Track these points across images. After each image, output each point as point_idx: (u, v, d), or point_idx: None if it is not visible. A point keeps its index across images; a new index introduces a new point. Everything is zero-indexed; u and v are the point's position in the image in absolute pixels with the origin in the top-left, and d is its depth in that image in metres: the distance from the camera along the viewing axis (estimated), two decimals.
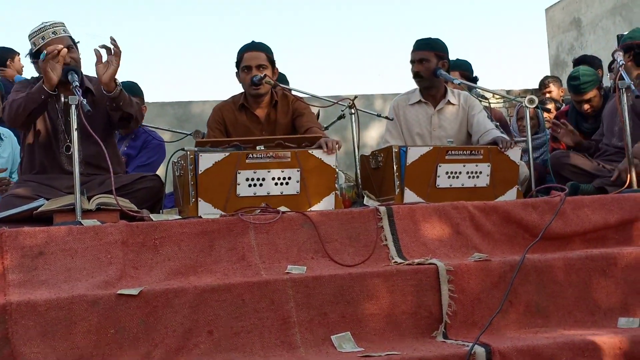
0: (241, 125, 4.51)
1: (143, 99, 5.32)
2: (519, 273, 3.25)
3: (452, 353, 2.85)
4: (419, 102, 4.74)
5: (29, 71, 6.93)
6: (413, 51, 4.72)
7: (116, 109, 3.91)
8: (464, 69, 5.59)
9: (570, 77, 5.36)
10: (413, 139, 4.67)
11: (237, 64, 4.52)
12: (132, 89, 5.14)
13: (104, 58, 3.80)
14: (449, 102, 4.73)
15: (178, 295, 2.94)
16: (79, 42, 4.04)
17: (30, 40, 3.98)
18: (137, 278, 3.10)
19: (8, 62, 6.50)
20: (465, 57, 5.70)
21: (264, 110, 4.53)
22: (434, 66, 4.64)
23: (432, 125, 4.70)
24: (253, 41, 4.57)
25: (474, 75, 5.66)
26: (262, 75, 4.39)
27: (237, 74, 4.53)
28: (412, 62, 4.71)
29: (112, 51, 3.79)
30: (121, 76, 4.94)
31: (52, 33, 3.94)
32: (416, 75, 4.69)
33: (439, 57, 4.66)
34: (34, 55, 3.97)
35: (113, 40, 3.78)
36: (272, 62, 4.48)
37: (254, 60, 4.43)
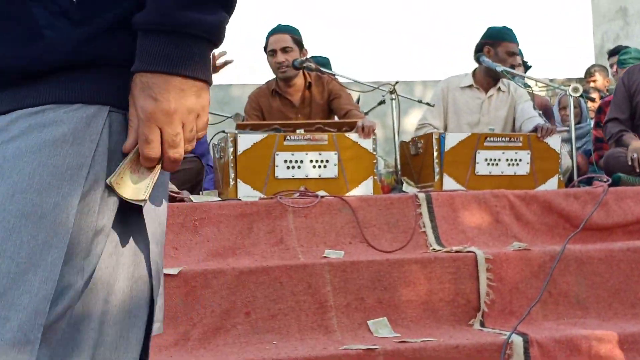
0: (276, 111, 4.53)
1: None
2: (559, 263, 3.21)
3: (489, 341, 2.84)
4: (471, 86, 4.70)
5: None
6: (514, 42, 4.69)
7: None
8: (521, 54, 5.54)
9: (622, 53, 5.34)
10: (460, 124, 4.63)
11: (265, 49, 4.54)
12: None
13: None
14: (499, 90, 4.70)
15: (216, 276, 2.96)
16: None
17: None
18: (176, 258, 3.13)
19: None
20: None
21: (298, 93, 4.53)
22: (482, 55, 4.64)
23: (482, 111, 4.66)
24: (279, 24, 4.57)
25: (525, 62, 5.60)
26: (303, 59, 4.39)
27: (268, 59, 4.55)
28: (511, 53, 4.67)
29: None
30: None
31: None
32: (510, 68, 4.62)
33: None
34: None
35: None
36: (298, 43, 4.47)
37: (279, 43, 4.44)
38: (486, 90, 4.69)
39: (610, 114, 4.68)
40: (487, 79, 4.68)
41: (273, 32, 4.53)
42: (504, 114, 4.67)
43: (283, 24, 4.59)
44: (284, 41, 4.45)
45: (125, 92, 1.07)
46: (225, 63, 3.73)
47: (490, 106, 4.67)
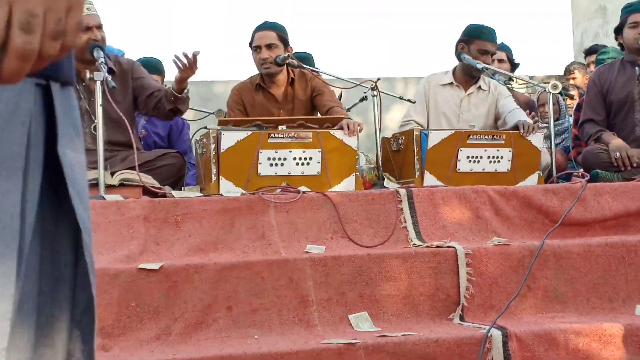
0: (259, 105, 4.54)
1: (164, 76, 5.34)
2: (537, 258, 3.25)
3: (469, 335, 2.87)
4: (451, 84, 4.75)
5: None
6: (488, 41, 4.69)
7: (174, 105, 3.96)
8: (509, 51, 5.57)
9: (600, 52, 5.38)
10: (439, 120, 4.68)
11: (250, 44, 4.55)
12: (155, 65, 5.17)
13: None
14: (479, 88, 4.75)
15: (198, 271, 2.97)
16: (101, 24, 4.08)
17: None
18: (158, 253, 3.14)
19: None
20: None
21: (281, 88, 4.55)
22: (462, 53, 4.67)
23: (462, 108, 4.71)
24: (266, 21, 4.59)
25: (515, 61, 5.62)
26: (285, 55, 4.41)
27: (252, 54, 4.56)
28: (483, 51, 4.69)
29: (193, 64, 3.85)
30: (146, 53, 4.97)
31: (87, 9, 3.98)
32: (483, 69, 4.65)
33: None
34: None
35: (195, 57, 3.84)
36: (283, 41, 4.49)
37: (264, 39, 4.47)
38: (465, 88, 4.74)
39: (585, 115, 4.72)
40: (465, 77, 4.74)
41: (259, 28, 4.54)
42: (484, 111, 4.72)
43: (270, 20, 4.61)
44: (268, 38, 4.47)
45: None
46: (195, 56, 3.74)
47: (470, 104, 4.73)
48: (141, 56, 5.22)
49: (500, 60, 5.40)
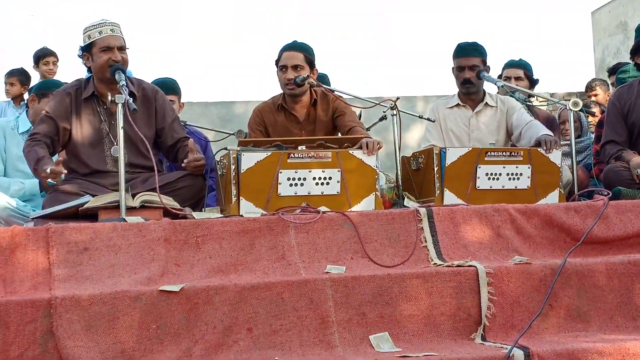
0: (280, 126, 4.55)
1: (180, 96, 5.38)
2: (559, 277, 3.22)
3: (491, 355, 2.84)
4: (457, 105, 4.78)
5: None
6: (462, 57, 4.71)
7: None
8: (528, 68, 5.54)
9: (620, 71, 5.32)
10: (451, 142, 4.69)
11: (276, 63, 4.56)
12: (171, 86, 5.21)
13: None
14: (487, 105, 4.76)
15: (219, 293, 2.98)
16: (128, 48, 4.13)
17: (84, 34, 4.06)
18: (178, 275, 3.15)
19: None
20: (512, 58, 5.64)
21: (304, 109, 4.56)
22: (481, 71, 4.68)
23: (471, 127, 4.72)
24: (295, 41, 4.60)
25: (534, 77, 5.59)
26: (305, 76, 4.42)
27: (278, 73, 4.57)
28: (460, 68, 4.71)
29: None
30: (166, 74, 5.02)
31: (110, 30, 4.03)
32: (466, 82, 4.71)
33: (484, 63, 4.76)
34: (85, 49, 4.06)
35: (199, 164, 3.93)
36: (310, 63, 4.50)
37: (291, 60, 4.47)
38: (472, 107, 4.77)
39: (606, 136, 4.68)
40: (471, 97, 4.75)
41: (287, 48, 4.54)
42: (494, 127, 4.73)
43: (299, 41, 4.61)
44: (296, 59, 4.47)
45: None
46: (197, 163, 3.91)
47: (479, 122, 4.74)
48: (157, 77, 5.26)
49: (517, 78, 5.37)
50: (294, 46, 4.54)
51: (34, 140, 3.96)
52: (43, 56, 6.84)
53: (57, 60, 6.89)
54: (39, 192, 4.34)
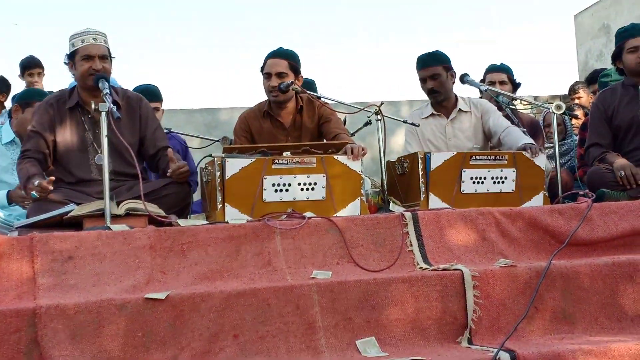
0: (266, 132, 4.55)
1: (162, 102, 5.38)
2: (544, 279, 3.24)
3: (477, 358, 2.85)
4: (432, 114, 4.80)
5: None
6: (422, 69, 4.74)
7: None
8: (510, 72, 5.57)
9: (602, 75, 5.35)
10: (430, 150, 4.70)
11: (261, 70, 4.56)
12: (155, 93, 5.21)
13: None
14: (460, 110, 4.78)
15: (205, 300, 2.97)
16: (114, 57, 4.13)
17: (69, 42, 4.08)
18: (164, 282, 3.14)
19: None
20: (493, 63, 5.67)
21: (289, 116, 4.56)
22: (445, 79, 4.74)
23: (447, 135, 4.74)
24: (280, 48, 4.60)
25: (516, 81, 5.62)
26: (288, 82, 4.43)
27: (263, 80, 4.57)
28: (422, 79, 4.74)
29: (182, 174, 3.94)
30: (150, 81, 5.00)
31: (93, 39, 4.04)
32: (432, 92, 4.75)
33: (447, 69, 4.77)
34: (70, 56, 4.07)
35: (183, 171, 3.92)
36: (294, 70, 4.50)
37: (275, 67, 4.47)
38: (447, 115, 4.78)
39: (590, 139, 4.71)
40: (443, 104, 4.77)
41: (271, 55, 4.54)
42: (470, 133, 4.75)
43: (284, 47, 4.61)
44: (279, 66, 4.47)
45: None
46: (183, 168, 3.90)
47: (455, 129, 4.76)
48: (141, 84, 5.25)
49: (501, 82, 5.40)
50: (278, 53, 4.54)
51: (25, 158, 3.98)
52: (28, 67, 6.77)
53: (43, 71, 6.81)
54: (7, 204, 4.31)
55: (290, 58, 4.52)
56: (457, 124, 4.78)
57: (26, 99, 4.73)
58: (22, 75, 6.80)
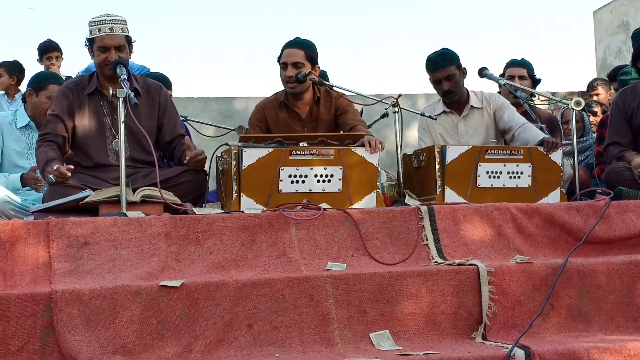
0: (282, 123, 4.53)
1: (171, 91, 5.37)
2: (561, 276, 3.22)
3: (491, 354, 2.84)
4: (444, 112, 4.74)
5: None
6: (435, 70, 4.65)
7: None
8: (531, 68, 5.52)
9: (622, 73, 5.29)
10: None
11: (278, 60, 4.54)
12: (165, 82, 5.20)
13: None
14: (472, 107, 4.72)
15: (219, 289, 2.97)
16: (134, 41, 4.13)
17: (89, 27, 4.08)
18: (179, 270, 3.14)
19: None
20: (515, 58, 5.62)
21: (306, 107, 4.54)
22: (458, 78, 4.66)
23: (460, 132, 4.69)
24: (297, 37, 4.57)
25: (536, 77, 5.56)
26: (306, 72, 4.40)
27: (280, 70, 4.55)
28: (437, 81, 4.67)
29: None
30: (166, 69, 5.01)
31: (109, 29, 4.03)
32: (448, 93, 4.66)
33: (459, 68, 4.69)
34: (89, 42, 4.09)
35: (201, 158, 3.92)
36: (311, 60, 4.47)
37: (291, 57, 4.45)
38: (459, 112, 4.72)
39: (610, 138, 4.67)
40: (455, 101, 4.71)
41: (288, 45, 4.52)
42: (482, 129, 4.69)
43: (301, 37, 4.58)
44: (296, 56, 4.45)
45: None
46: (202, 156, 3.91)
47: (467, 126, 4.70)
48: (153, 71, 5.25)
49: (521, 77, 5.35)
50: (295, 43, 4.52)
51: (45, 141, 3.99)
52: (46, 51, 6.78)
53: (61, 55, 6.83)
54: (21, 187, 4.32)
55: (306, 48, 4.50)
56: (469, 121, 4.72)
57: (39, 83, 4.73)
58: (41, 59, 6.81)
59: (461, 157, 3.99)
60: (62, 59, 6.83)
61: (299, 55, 4.45)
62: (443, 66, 4.64)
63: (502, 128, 4.68)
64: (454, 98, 4.70)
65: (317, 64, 4.53)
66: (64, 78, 5.57)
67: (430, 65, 4.70)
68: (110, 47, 4.00)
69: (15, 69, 6.59)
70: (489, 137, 4.67)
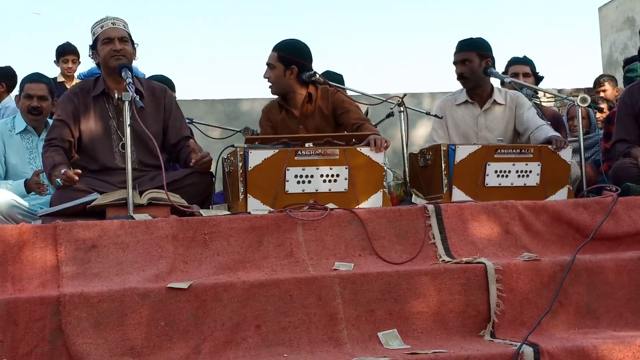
0: (282, 123, 4.56)
1: (174, 93, 5.37)
2: (569, 273, 3.21)
3: (500, 352, 2.84)
4: (465, 102, 4.72)
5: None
6: (455, 53, 4.70)
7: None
8: (533, 65, 5.51)
9: (628, 70, 5.27)
10: (459, 139, 4.65)
11: None
12: (168, 84, 5.21)
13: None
14: (495, 102, 4.70)
15: (227, 290, 2.98)
16: (137, 45, 4.14)
17: (91, 32, 4.13)
18: (186, 272, 3.15)
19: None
20: (517, 55, 5.61)
21: (298, 105, 4.55)
22: (477, 66, 4.62)
23: (479, 125, 4.67)
24: (283, 40, 4.57)
25: (538, 74, 5.55)
26: (311, 73, 4.41)
27: None
28: (455, 63, 4.69)
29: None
30: (172, 71, 5.04)
31: (112, 24, 4.08)
32: (460, 77, 4.68)
33: (482, 57, 4.64)
34: (93, 46, 4.13)
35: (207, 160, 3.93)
36: (284, 61, 4.42)
37: (268, 58, 4.49)
38: (481, 105, 4.70)
39: (617, 134, 4.66)
40: (477, 92, 4.70)
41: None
42: (502, 126, 4.66)
43: (290, 39, 4.57)
44: (270, 58, 4.51)
45: None
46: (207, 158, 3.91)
47: (487, 120, 4.68)
48: (156, 73, 5.26)
49: (525, 75, 5.33)
50: (275, 46, 4.54)
51: (51, 146, 4.00)
52: (64, 53, 6.77)
53: (78, 58, 6.79)
54: (26, 193, 4.33)
55: (281, 49, 4.49)
56: (490, 115, 4.69)
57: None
58: (58, 61, 6.80)
59: (470, 157, 3.99)
60: (79, 63, 6.82)
61: (272, 57, 4.49)
62: (462, 49, 4.67)
63: (520, 128, 4.65)
64: (467, 84, 4.68)
65: (294, 64, 4.43)
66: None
67: (456, 47, 4.73)
68: (113, 38, 4.04)
69: (4, 78, 6.22)
70: (507, 133, 4.65)
